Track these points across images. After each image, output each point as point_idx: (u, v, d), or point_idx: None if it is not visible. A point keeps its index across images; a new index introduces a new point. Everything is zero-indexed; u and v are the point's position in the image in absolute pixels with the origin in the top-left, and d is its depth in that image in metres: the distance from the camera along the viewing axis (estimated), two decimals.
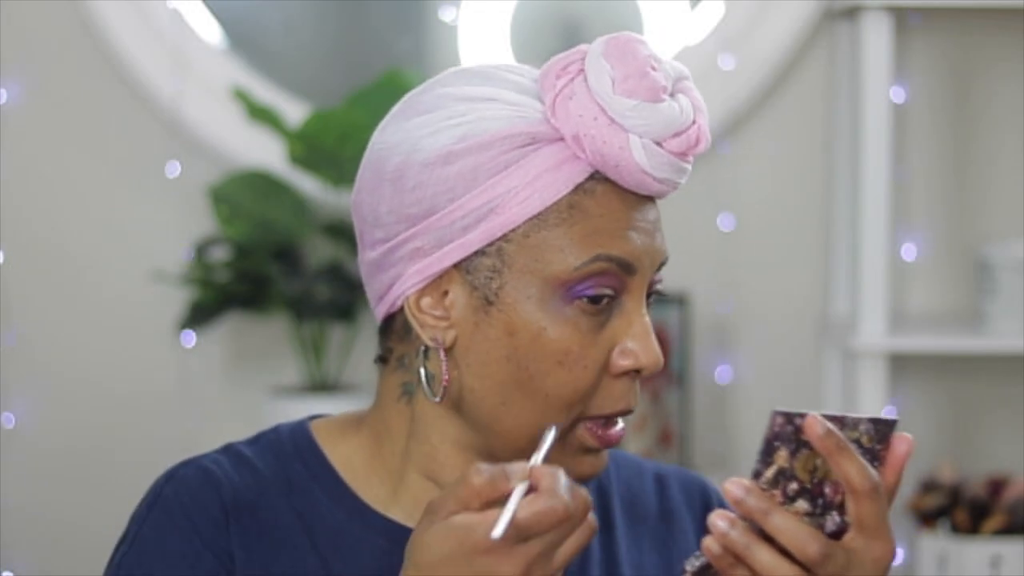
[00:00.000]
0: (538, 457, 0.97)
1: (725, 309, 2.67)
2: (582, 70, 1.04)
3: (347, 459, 1.12)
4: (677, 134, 1.04)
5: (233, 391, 2.68)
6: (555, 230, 1.03)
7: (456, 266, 1.05)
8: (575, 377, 1.04)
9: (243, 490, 1.09)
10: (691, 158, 1.05)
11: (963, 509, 2.47)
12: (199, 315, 2.50)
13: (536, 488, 0.94)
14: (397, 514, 1.10)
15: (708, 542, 0.98)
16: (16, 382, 2.67)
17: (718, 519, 0.97)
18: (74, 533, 2.66)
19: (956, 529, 2.47)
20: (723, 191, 2.65)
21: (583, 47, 1.06)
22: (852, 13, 2.51)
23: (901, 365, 2.62)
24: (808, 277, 2.69)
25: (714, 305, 2.66)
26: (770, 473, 0.97)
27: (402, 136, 1.06)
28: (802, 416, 0.96)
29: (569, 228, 1.03)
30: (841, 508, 0.98)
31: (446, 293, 1.06)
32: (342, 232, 2.56)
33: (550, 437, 0.99)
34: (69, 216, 2.67)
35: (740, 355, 2.69)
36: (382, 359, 1.12)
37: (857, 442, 0.97)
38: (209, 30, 2.71)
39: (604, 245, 1.03)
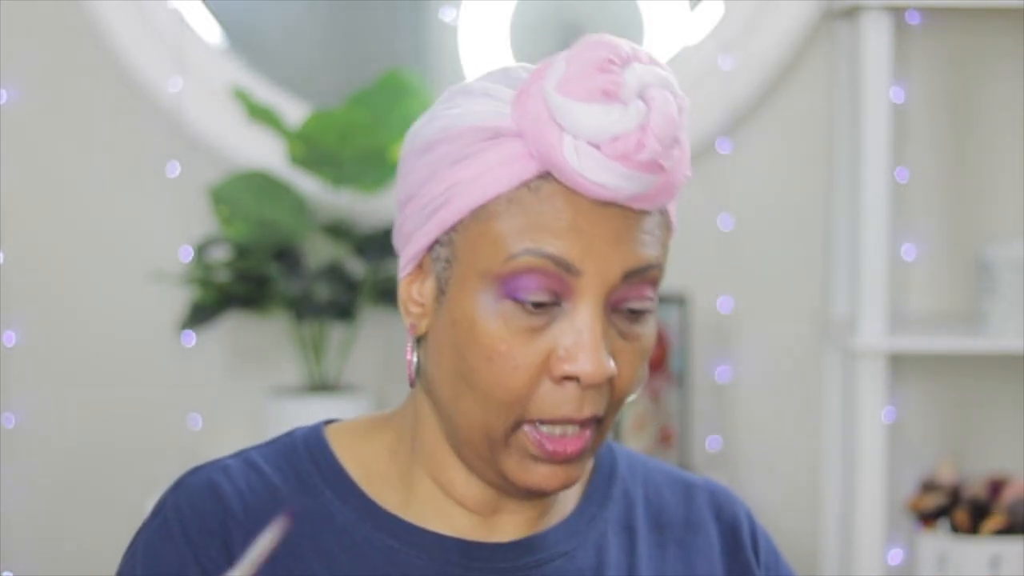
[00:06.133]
0: (243, 564, 0.90)
1: (725, 309, 2.67)
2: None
3: (362, 462, 1.12)
4: (615, 139, 0.99)
5: (233, 391, 2.68)
6: (492, 223, 1.02)
7: (428, 254, 1.06)
8: (506, 375, 1.02)
9: (250, 499, 1.09)
10: (642, 168, 1.00)
11: (963, 509, 2.47)
12: (199, 315, 2.50)
13: None
14: (411, 516, 1.10)
15: None
16: (16, 382, 2.67)
17: None
18: (74, 533, 2.66)
19: (956, 529, 2.47)
20: (723, 191, 2.65)
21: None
22: (851, 13, 2.51)
23: (901, 365, 2.62)
24: (808, 277, 2.69)
25: (714, 305, 2.66)
26: None
27: (414, 127, 1.09)
28: None
29: (505, 222, 1.02)
30: None
31: (425, 281, 1.07)
32: (342, 232, 2.56)
33: (265, 542, 0.90)
34: (69, 216, 2.67)
35: (740, 355, 2.68)
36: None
37: None
38: (209, 30, 2.71)
39: (537, 240, 1.01)
